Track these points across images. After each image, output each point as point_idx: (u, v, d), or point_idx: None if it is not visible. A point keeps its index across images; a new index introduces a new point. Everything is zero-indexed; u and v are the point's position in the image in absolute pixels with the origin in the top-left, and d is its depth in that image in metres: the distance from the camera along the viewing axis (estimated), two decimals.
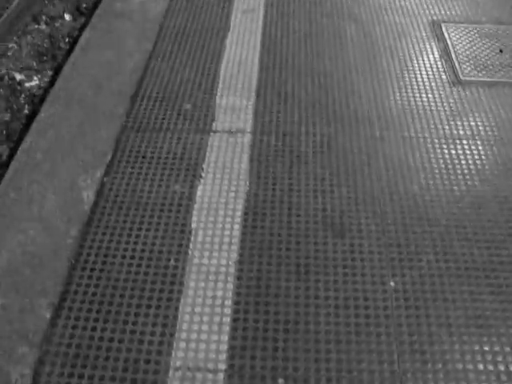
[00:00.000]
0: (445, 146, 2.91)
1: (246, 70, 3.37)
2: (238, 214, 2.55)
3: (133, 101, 3.14)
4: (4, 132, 3.57)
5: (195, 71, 3.37)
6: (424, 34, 3.74)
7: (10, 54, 4.20)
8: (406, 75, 3.38)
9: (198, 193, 2.64)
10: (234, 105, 3.11)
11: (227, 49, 3.56)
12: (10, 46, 4.25)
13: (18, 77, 3.99)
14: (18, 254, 2.35)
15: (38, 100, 3.81)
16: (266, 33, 3.71)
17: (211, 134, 2.95)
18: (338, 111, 3.10)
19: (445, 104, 3.17)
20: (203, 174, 2.73)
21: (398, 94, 3.23)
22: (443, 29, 3.78)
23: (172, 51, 3.53)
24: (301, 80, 3.31)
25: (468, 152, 2.88)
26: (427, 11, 3.99)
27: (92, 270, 2.32)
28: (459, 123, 3.05)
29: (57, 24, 4.55)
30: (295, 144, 2.89)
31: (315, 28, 3.77)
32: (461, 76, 3.37)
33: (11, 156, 3.33)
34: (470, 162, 2.83)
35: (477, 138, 2.97)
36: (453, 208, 2.61)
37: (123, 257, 2.37)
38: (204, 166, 2.78)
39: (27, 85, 3.94)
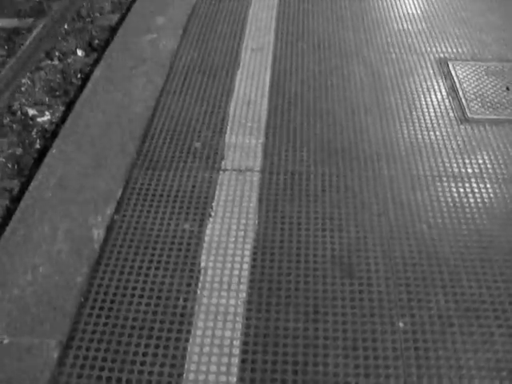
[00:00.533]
0: (453, 184, 2.92)
1: (255, 109, 3.41)
2: (247, 253, 2.55)
3: (143, 138, 3.18)
4: (15, 166, 3.62)
5: (205, 109, 3.42)
6: (431, 72, 3.78)
7: (23, 89, 4.28)
8: (414, 113, 3.41)
9: (208, 231, 2.65)
10: (244, 143, 3.14)
11: (236, 87, 3.61)
12: (23, 81, 4.33)
13: (31, 112, 4.06)
14: (27, 292, 2.37)
15: (49, 135, 3.87)
16: (275, 71, 3.76)
17: (220, 172, 2.97)
18: (346, 150, 3.13)
19: (452, 142, 3.19)
20: (212, 213, 2.74)
21: (405, 132, 3.25)
22: (450, 66, 3.83)
23: (182, 89, 3.59)
24: (309, 119, 3.34)
25: (476, 190, 2.89)
26: (434, 49, 4.04)
27: (101, 308, 2.33)
28: (467, 161, 3.06)
29: (69, 60, 4.65)
30: (304, 183, 2.91)
31: (324, 66, 3.82)
32: (468, 114, 3.40)
33: (22, 191, 3.36)
34: (479, 200, 2.83)
35: (485, 176, 2.98)
36: (461, 247, 2.60)
37: (132, 296, 2.37)
38: (213, 204, 2.79)
39: (39, 120, 4.00)
